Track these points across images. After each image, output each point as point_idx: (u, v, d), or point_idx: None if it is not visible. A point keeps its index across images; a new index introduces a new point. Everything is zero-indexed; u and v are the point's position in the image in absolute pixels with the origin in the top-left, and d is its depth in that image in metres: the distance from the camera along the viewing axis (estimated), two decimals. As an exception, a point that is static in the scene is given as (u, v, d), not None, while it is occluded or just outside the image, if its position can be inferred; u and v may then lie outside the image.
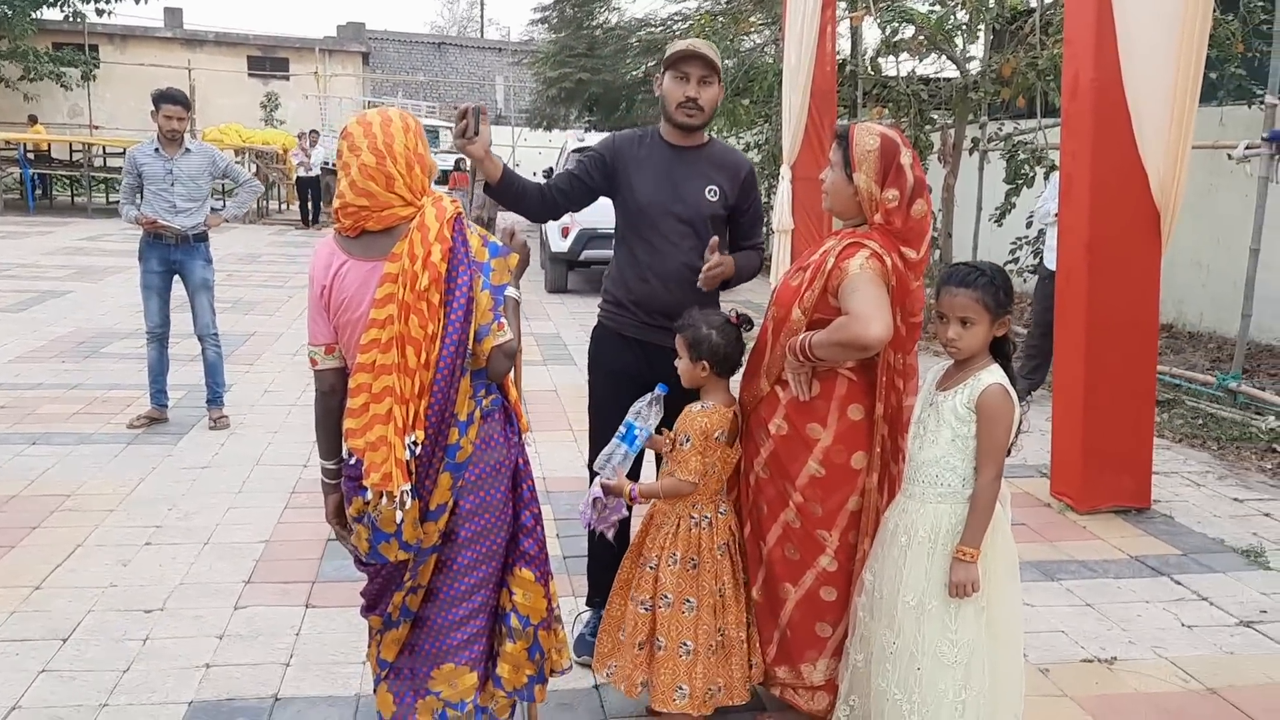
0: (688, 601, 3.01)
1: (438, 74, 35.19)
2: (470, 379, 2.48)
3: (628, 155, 3.47)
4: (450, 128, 24.25)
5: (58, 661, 3.45)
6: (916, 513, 2.74)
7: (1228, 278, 9.03)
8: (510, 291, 2.61)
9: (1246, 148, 7.40)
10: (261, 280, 13.04)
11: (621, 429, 3.09)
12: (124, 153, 24.03)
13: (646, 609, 3.04)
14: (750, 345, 3.13)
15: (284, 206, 23.46)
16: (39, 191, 22.95)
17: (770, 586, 3.06)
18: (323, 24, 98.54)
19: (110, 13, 26.20)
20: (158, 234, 6.10)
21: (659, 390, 3.10)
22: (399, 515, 2.39)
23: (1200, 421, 6.85)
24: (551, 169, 14.60)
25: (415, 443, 2.39)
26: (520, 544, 2.65)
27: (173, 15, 33.37)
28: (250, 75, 32.16)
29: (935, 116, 9.46)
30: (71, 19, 26.08)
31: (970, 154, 9.52)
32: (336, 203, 2.49)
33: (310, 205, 20.29)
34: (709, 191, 3.42)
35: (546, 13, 19.46)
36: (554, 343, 9.52)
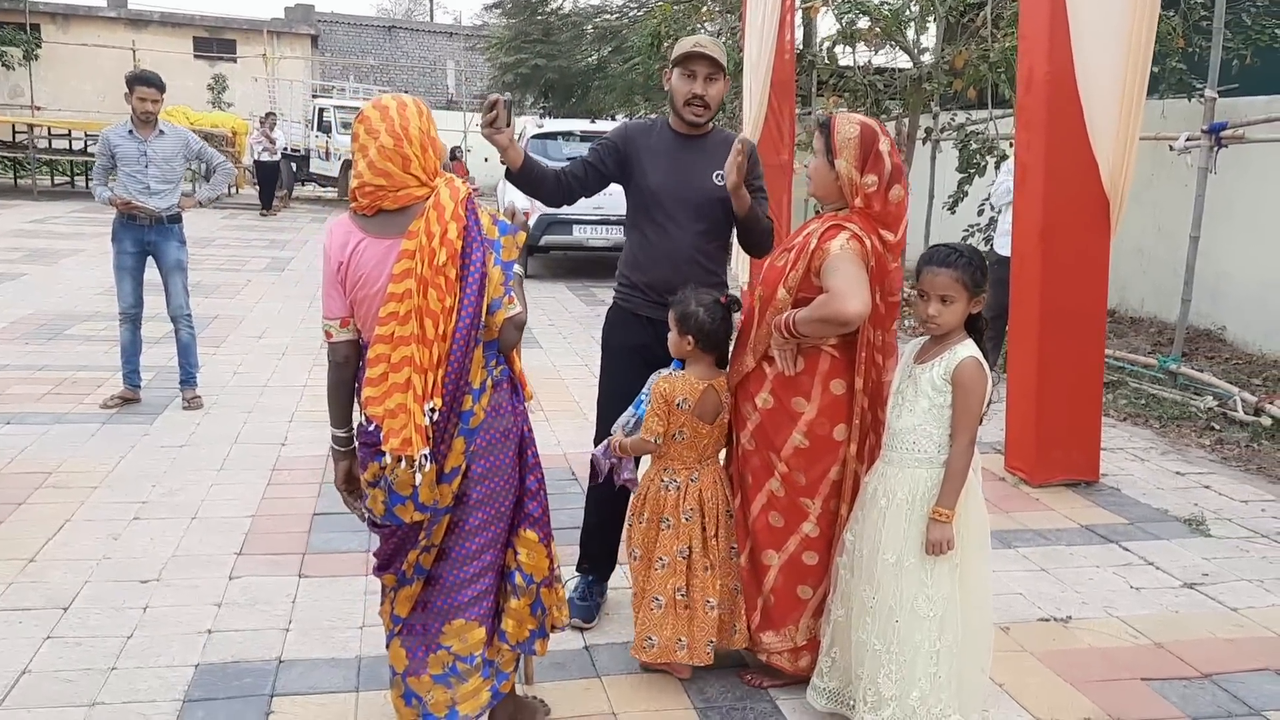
0: (660, 560, 3.20)
1: (388, 58, 34.95)
2: (483, 349, 2.63)
3: (639, 144, 3.65)
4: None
5: (61, 629, 3.55)
6: (895, 477, 2.94)
7: (1168, 265, 9.40)
8: (515, 268, 2.76)
9: (1187, 139, 7.72)
10: (218, 264, 12.98)
11: (642, 399, 3.29)
12: (68, 134, 23.77)
13: (632, 560, 3.29)
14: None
15: (233, 190, 23.22)
16: (-20, 173, 22.53)
17: (754, 554, 3.25)
18: (271, 5, 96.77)
19: (53, -9, 25.71)
20: (132, 215, 6.14)
21: (674, 367, 3.29)
22: (418, 478, 2.54)
23: (1143, 401, 7.18)
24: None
25: (433, 409, 2.54)
26: (525, 506, 2.82)
27: (117, -6, 32.80)
28: (197, 57, 31.69)
29: (890, 106, 9.71)
30: (12, -3, 25.56)
31: (923, 143, 9.78)
32: (354, 182, 2.63)
33: (284, 187, 19.84)
34: (716, 177, 3.59)
35: (501, -2, 19.51)
36: (518, 326, 9.62)
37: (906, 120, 9.57)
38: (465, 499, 2.70)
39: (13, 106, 27.49)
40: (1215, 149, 7.54)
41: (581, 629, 3.63)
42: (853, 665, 3.00)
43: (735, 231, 3.72)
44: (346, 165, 20.68)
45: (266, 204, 19.99)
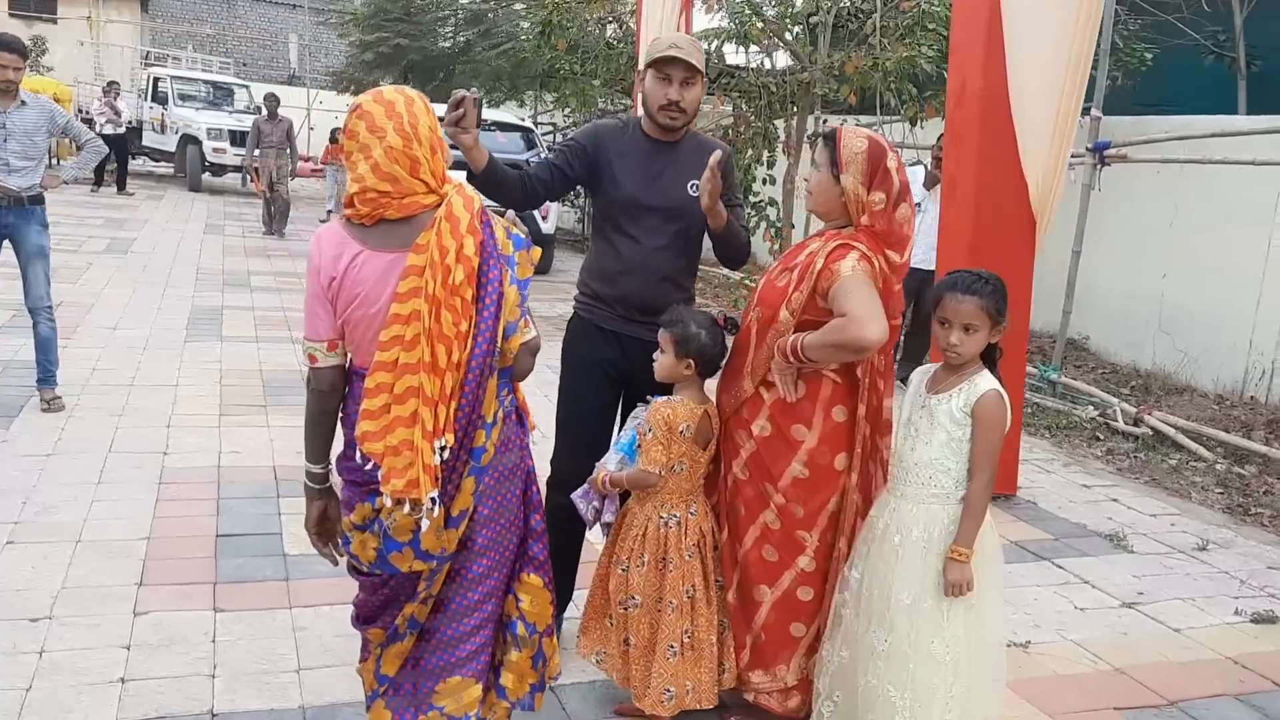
0: (670, 603, 2.98)
1: (225, 27, 33.17)
2: (496, 378, 2.36)
3: (610, 147, 3.41)
4: (240, 85, 22.93)
5: (-57, 682, 3.07)
6: (909, 513, 2.80)
7: (1038, 276, 9.70)
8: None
9: (1072, 157, 7.96)
10: (53, 244, 11.91)
11: (623, 438, 3.06)
12: None
13: (623, 609, 3.01)
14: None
15: (54, 161, 21.48)
16: None
17: (745, 590, 3.07)
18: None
19: None
20: (-14, 194, 5.47)
21: (653, 399, 3.08)
22: (424, 523, 2.25)
23: (1030, 410, 7.35)
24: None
25: (444, 447, 2.25)
26: (529, 548, 2.55)
27: (-83, -58, 29.97)
28: (12, 15, 29.26)
29: (780, 109, 9.70)
30: None
31: (811, 147, 9.81)
32: (353, 188, 2.31)
33: (117, 165, 18.19)
34: (690, 187, 3.39)
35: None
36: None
37: (794, 123, 9.55)
38: (469, 544, 2.41)
39: None
40: (1098, 166, 7.81)
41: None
42: (859, 711, 2.85)
43: (711, 245, 3.53)
44: (185, 140, 19.43)
45: (120, 183, 18.23)
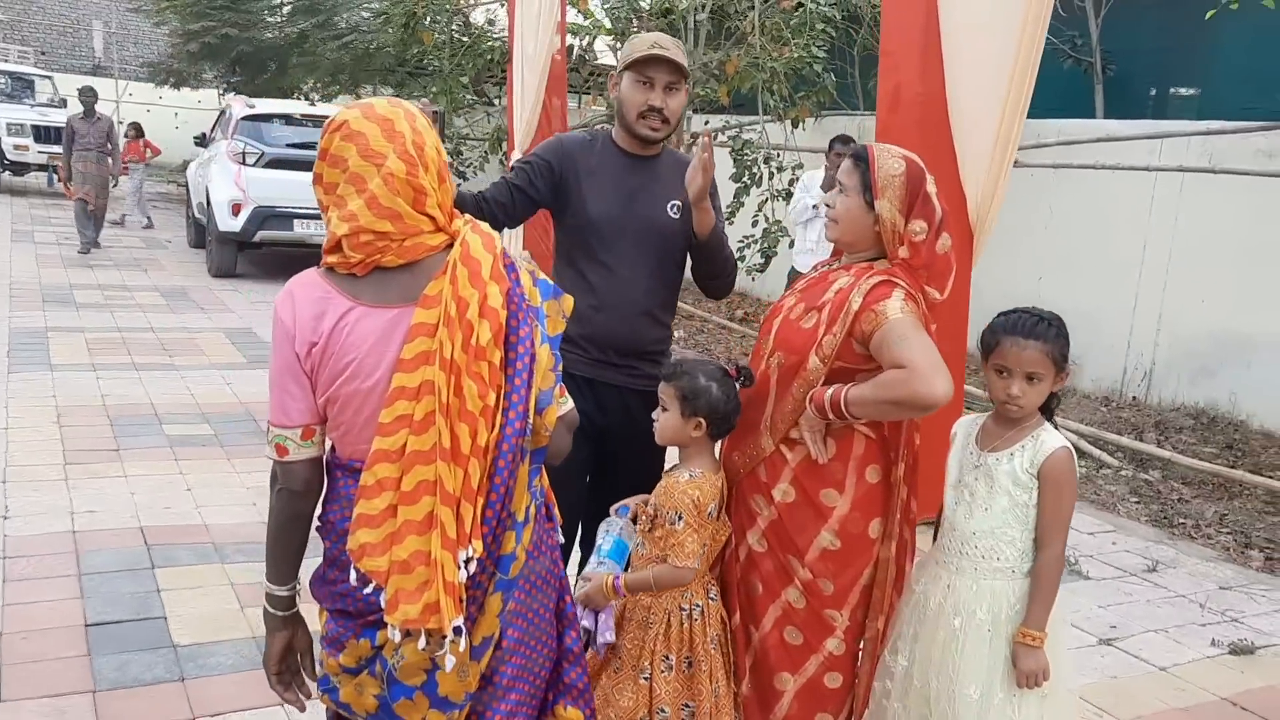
0: (686, 707, 2.53)
1: (20, 13, 30.45)
2: (528, 463, 1.86)
3: (579, 164, 2.94)
4: (42, 75, 20.96)
5: None
6: (968, 590, 2.44)
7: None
8: None
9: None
10: None
11: (604, 545, 2.60)
12: None
13: None
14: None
15: None
16: None
17: (763, 678, 2.64)
18: None
19: None
20: None
21: (622, 513, 2.67)
22: (449, 661, 1.73)
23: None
24: (205, 135, 12.95)
25: (470, 559, 1.74)
26: (564, 675, 2.05)
27: None
28: None
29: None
30: None
31: (688, 150, 9.47)
32: (341, 228, 1.78)
33: None
34: (670, 208, 2.95)
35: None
36: (249, 339, 8.35)
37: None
38: (492, 679, 1.90)
39: None
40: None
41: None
42: (917, 819, 2.47)
43: (691, 265, 3.10)
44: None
45: None
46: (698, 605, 2.56)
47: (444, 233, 1.84)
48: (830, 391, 2.43)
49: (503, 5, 8.53)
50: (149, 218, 14.88)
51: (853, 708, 2.65)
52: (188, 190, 13.65)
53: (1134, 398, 8.13)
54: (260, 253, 11.59)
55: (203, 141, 12.90)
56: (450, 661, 1.73)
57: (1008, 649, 2.39)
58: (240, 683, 3.23)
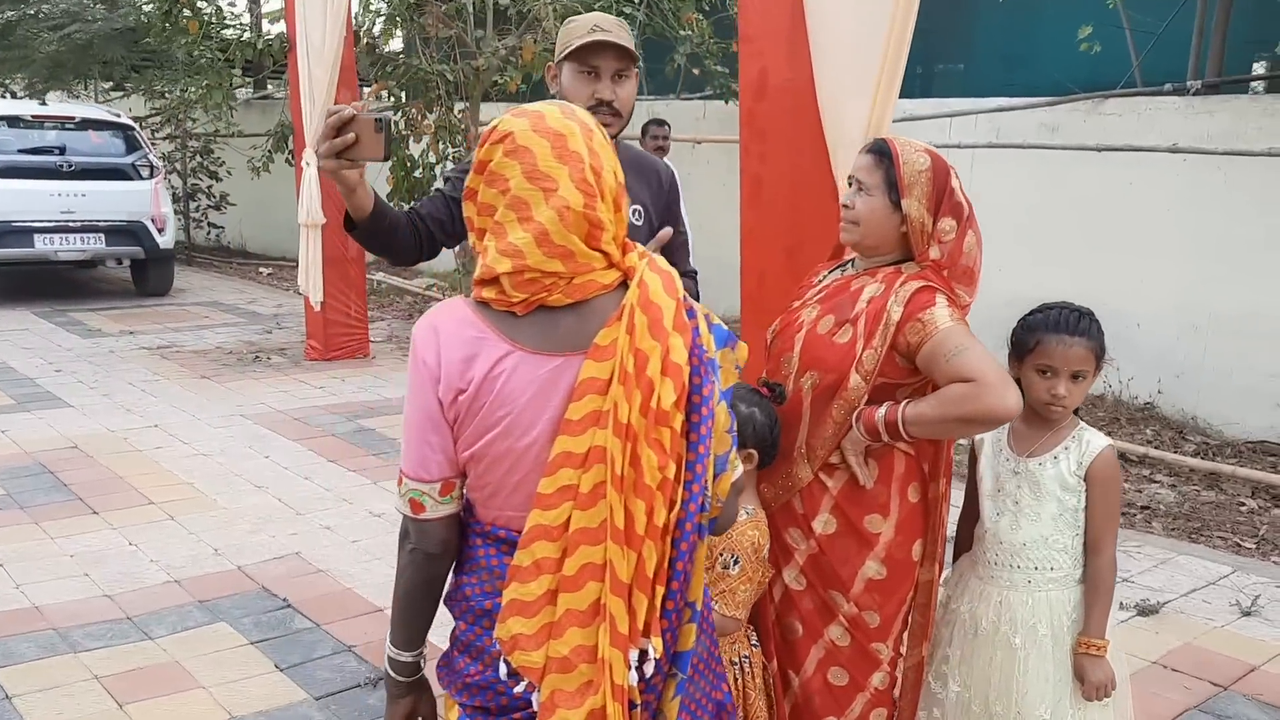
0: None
1: None
2: (705, 542, 1.60)
3: None
4: None
5: None
6: (1024, 606, 2.34)
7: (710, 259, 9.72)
8: None
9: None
10: None
11: None
12: None
13: None
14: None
15: None
16: None
17: (805, 724, 2.45)
18: None
19: None
20: None
21: None
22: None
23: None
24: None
25: (645, 656, 1.48)
26: None
27: None
28: None
29: (448, 99, 8.84)
30: None
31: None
32: (502, 265, 1.49)
33: None
34: (633, 213, 2.65)
35: None
36: (12, 378, 7.28)
37: (465, 113, 8.76)
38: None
39: None
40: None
41: None
42: None
43: None
44: None
45: None
46: (746, 656, 2.33)
47: (616, 269, 1.55)
48: (883, 411, 2.25)
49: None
50: None
51: (895, 738, 2.50)
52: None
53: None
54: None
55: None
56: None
57: (1069, 662, 2.30)
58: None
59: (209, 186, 13.01)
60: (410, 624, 1.66)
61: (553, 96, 2.69)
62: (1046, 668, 2.30)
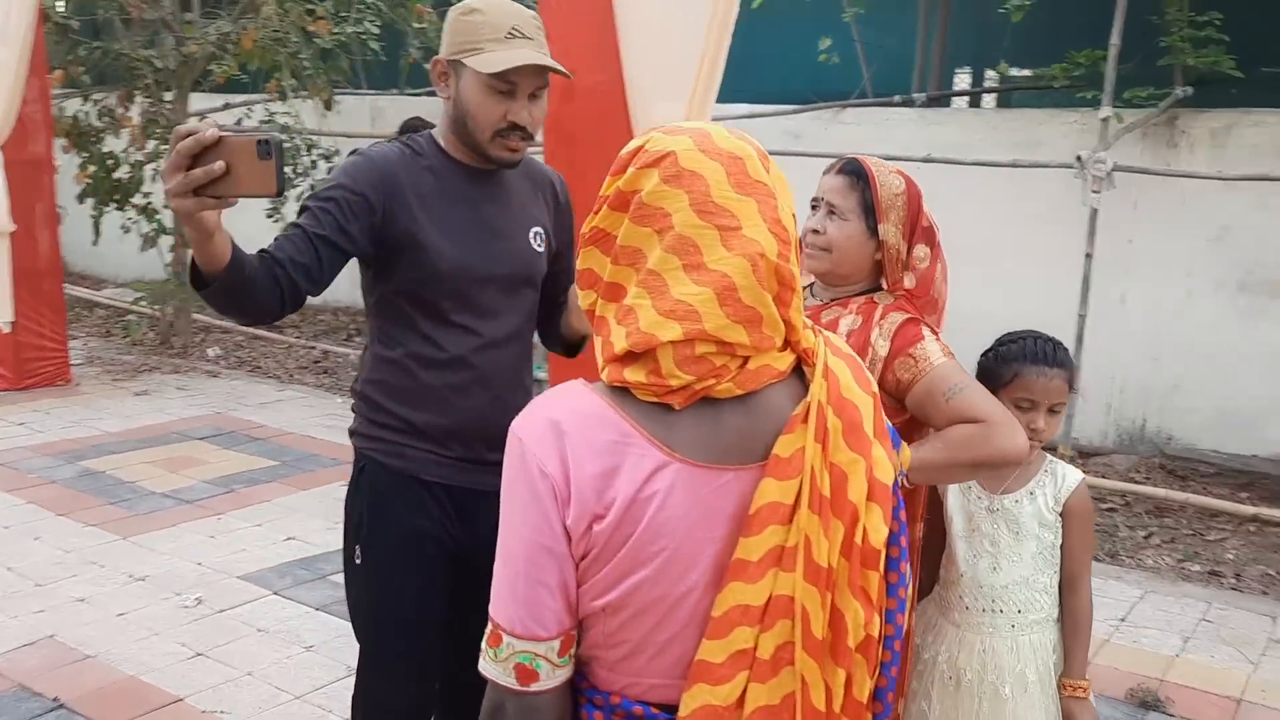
0: None
1: None
2: None
3: (405, 190, 2.12)
4: None
5: None
6: (1008, 652, 2.21)
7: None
8: None
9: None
10: None
11: None
12: None
13: None
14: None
15: None
16: None
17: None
18: None
19: None
20: None
21: None
22: None
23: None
24: None
25: None
26: None
27: None
28: None
29: (154, 89, 7.82)
30: None
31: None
32: (667, 331, 1.10)
33: None
34: (534, 236, 2.26)
35: None
36: None
37: (171, 106, 7.79)
38: None
39: None
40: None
41: None
42: None
43: (543, 313, 2.42)
44: None
45: None
46: None
47: (793, 350, 1.18)
48: (880, 457, 2.05)
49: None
50: None
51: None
52: None
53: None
54: None
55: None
56: None
57: (1055, 705, 2.21)
58: None
59: None
60: None
61: (433, 94, 2.26)
62: (1035, 715, 2.20)
